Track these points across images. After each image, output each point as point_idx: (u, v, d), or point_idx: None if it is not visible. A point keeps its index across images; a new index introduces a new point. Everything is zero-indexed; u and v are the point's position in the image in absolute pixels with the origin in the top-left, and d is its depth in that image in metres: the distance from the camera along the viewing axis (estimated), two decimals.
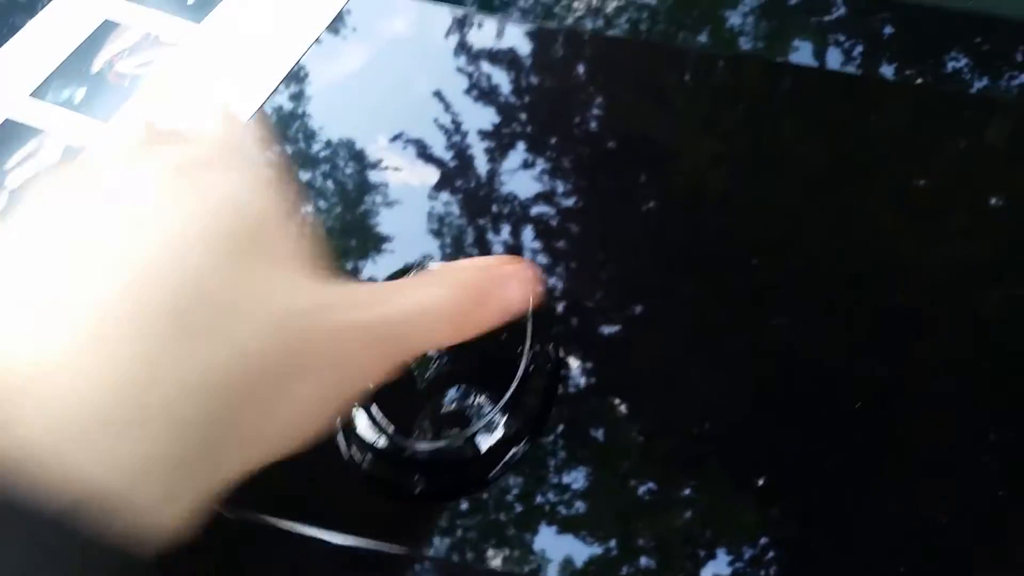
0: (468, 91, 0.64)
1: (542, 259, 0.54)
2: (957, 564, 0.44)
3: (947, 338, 0.51)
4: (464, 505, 0.47)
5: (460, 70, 0.65)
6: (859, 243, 0.55)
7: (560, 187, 0.57)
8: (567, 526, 0.46)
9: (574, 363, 0.50)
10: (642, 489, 0.47)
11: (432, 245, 0.55)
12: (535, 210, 0.56)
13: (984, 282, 0.53)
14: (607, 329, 0.51)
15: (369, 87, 0.66)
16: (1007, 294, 0.52)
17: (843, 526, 0.45)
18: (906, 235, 0.55)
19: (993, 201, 0.56)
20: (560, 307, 0.52)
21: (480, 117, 0.62)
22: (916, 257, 0.54)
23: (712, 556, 0.45)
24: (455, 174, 0.59)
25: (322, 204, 0.58)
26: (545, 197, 0.57)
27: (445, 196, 0.58)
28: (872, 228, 0.55)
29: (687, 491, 0.47)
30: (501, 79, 0.64)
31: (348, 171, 0.59)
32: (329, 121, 0.63)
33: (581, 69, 0.65)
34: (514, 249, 0.55)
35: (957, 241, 0.55)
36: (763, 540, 0.44)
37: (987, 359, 0.50)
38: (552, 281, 0.53)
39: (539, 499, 0.47)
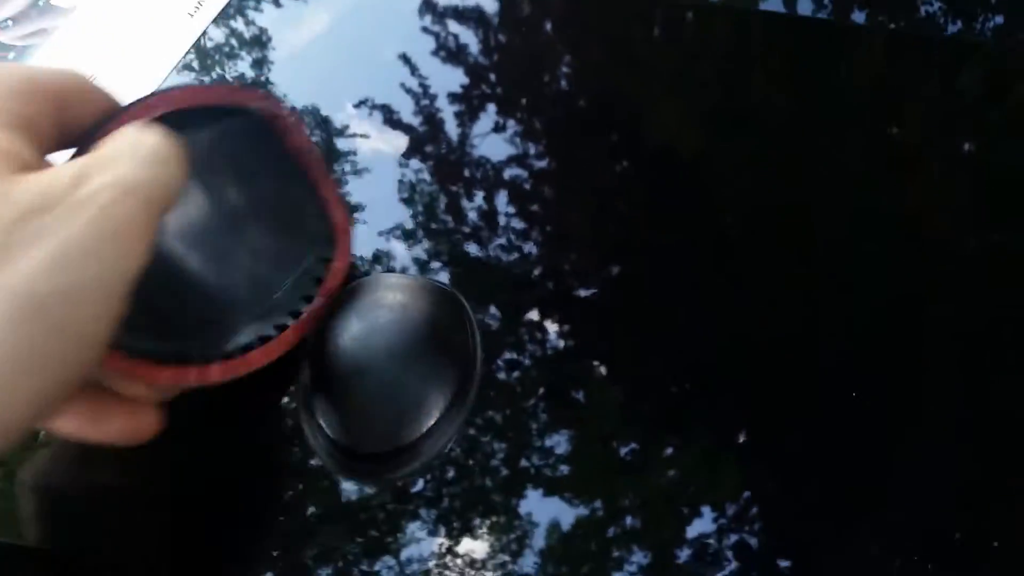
0: (435, 52, 0.62)
1: (517, 223, 0.53)
2: (940, 513, 0.44)
3: (927, 287, 0.51)
4: (450, 472, 0.47)
5: (426, 30, 0.63)
6: (836, 195, 0.54)
7: (532, 149, 0.56)
8: (552, 489, 0.46)
9: (551, 326, 0.49)
10: (624, 450, 0.47)
11: (404, 214, 0.54)
12: (508, 173, 0.55)
13: (961, 228, 0.53)
14: (584, 292, 0.51)
15: (332, 51, 0.64)
16: (984, 240, 0.52)
17: (825, 481, 0.45)
18: (883, 184, 0.55)
19: (968, 147, 0.56)
20: (537, 271, 0.51)
21: (449, 79, 0.61)
22: (894, 205, 0.54)
23: (697, 514, 0.45)
24: (425, 139, 0.58)
25: None
26: (518, 160, 0.56)
27: (416, 163, 0.57)
28: (849, 179, 0.55)
29: (669, 450, 0.47)
30: (469, 39, 0.62)
31: (313, 139, 0.58)
32: (292, 87, 0.62)
33: (549, 26, 0.64)
34: (488, 214, 0.54)
35: (935, 188, 0.55)
36: (746, 496, 0.45)
37: (966, 306, 0.50)
38: (528, 246, 0.52)
39: (523, 463, 0.47)
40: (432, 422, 0.45)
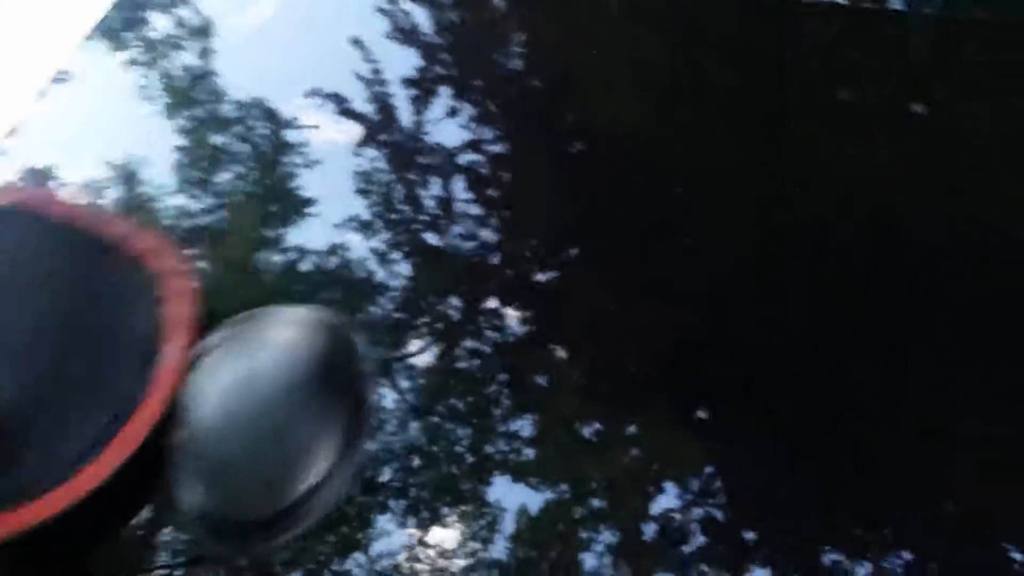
0: (388, 35, 0.62)
1: (474, 210, 0.53)
2: (899, 478, 0.45)
3: (878, 248, 0.52)
4: (416, 461, 0.47)
5: (380, 11, 0.62)
6: (785, 164, 0.55)
7: (488, 134, 0.56)
8: (518, 473, 0.47)
9: (511, 312, 0.50)
10: (587, 431, 0.48)
11: (360, 205, 0.54)
12: (464, 159, 0.55)
13: (908, 189, 0.54)
14: (542, 276, 0.51)
15: (279, 37, 0.63)
16: (930, 199, 0.53)
17: (785, 451, 0.46)
18: (833, 150, 0.55)
19: (916, 110, 0.57)
20: (495, 259, 0.51)
21: (401, 62, 0.60)
22: (844, 171, 0.55)
23: (661, 491, 0.45)
24: (379, 127, 0.57)
25: (238, 169, 0.55)
26: (473, 145, 0.55)
27: (370, 152, 0.56)
28: (798, 148, 0.55)
29: (631, 429, 0.47)
30: (421, 19, 0.62)
31: (263, 132, 0.57)
32: (239, 78, 0.60)
33: (502, 4, 0.63)
34: (445, 202, 0.54)
35: (883, 152, 0.56)
36: (708, 470, 0.45)
37: (914, 266, 0.51)
38: (485, 233, 0.52)
39: (488, 449, 0.48)
40: (321, 475, 0.41)
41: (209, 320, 0.45)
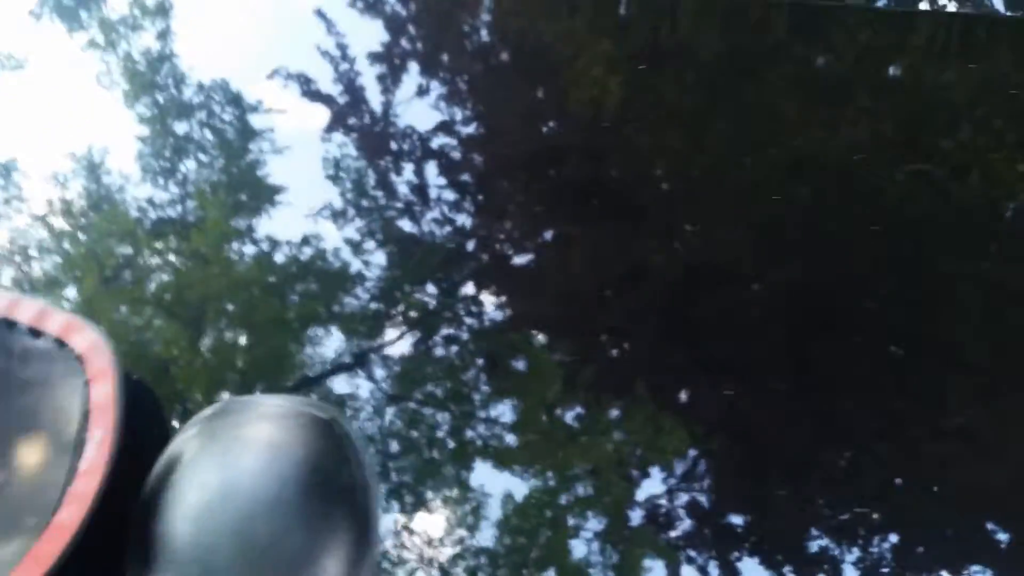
0: (352, 4, 0.60)
1: (448, 194, 0.52)
2: (882, 462, 0.46)
3: (856, 226, 0.51)
4: (395, 447, 0.47)
5: None
6: (763, 142, 0.54)
7: (459, 113, 0.55)
8: (502, 460, 0.47)
9: (488, 298, 0.49)
10: (570, 416, 0.47)
11: (331, 191, 0.52)
12: (436, 142, 0.54)
13: (880, 163, 0.53)
14: (519, 260, 0.50)
15: (239, 11, 0.60)
16: (906, 171, 0.53)
17: (767, 437, 0.46)
18: (808, 123, 0.55)
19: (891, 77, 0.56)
20: (470, 244, 0.50)
21: (366, 36, 0.58)
22: (818, 143, 0.54)
23: (646, 476, 0.45)
24: (347, 111, 0.55)
25: (202, 158, 0.54)
26: (445, 127, 0.54)
27: (339, 136, 0.54)
28: (773, 127, 0.55)
29: (614, 414, 0.47)
30: None
31: (227, 117, 0.55)
32: (199, 60, 0.58)
33: None
34: (418, 189, 0.52)
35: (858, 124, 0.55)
36: (692, 454, 0.45)
37: (889, 237, 0.51)
38: (460, 218, 0.51)
39: (469, 434, 0.47)
40: None
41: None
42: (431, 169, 0.53)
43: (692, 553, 0.42)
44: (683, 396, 0.47)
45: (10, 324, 0.39)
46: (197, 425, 0.37)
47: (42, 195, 0.53)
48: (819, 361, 0.48)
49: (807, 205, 0.53)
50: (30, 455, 0.37)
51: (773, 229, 0.51)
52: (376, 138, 0.54)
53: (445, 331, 0.48)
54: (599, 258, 0.51)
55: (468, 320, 0.49)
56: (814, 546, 0.42)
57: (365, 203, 0.52)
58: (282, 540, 0.34)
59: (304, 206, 0.51)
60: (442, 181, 0.52)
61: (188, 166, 0.53)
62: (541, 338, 0.49)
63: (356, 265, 0.50)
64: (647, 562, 0.43)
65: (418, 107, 0.55)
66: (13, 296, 0.39)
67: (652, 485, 0.45)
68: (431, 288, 0.49)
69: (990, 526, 0.43)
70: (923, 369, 0.47)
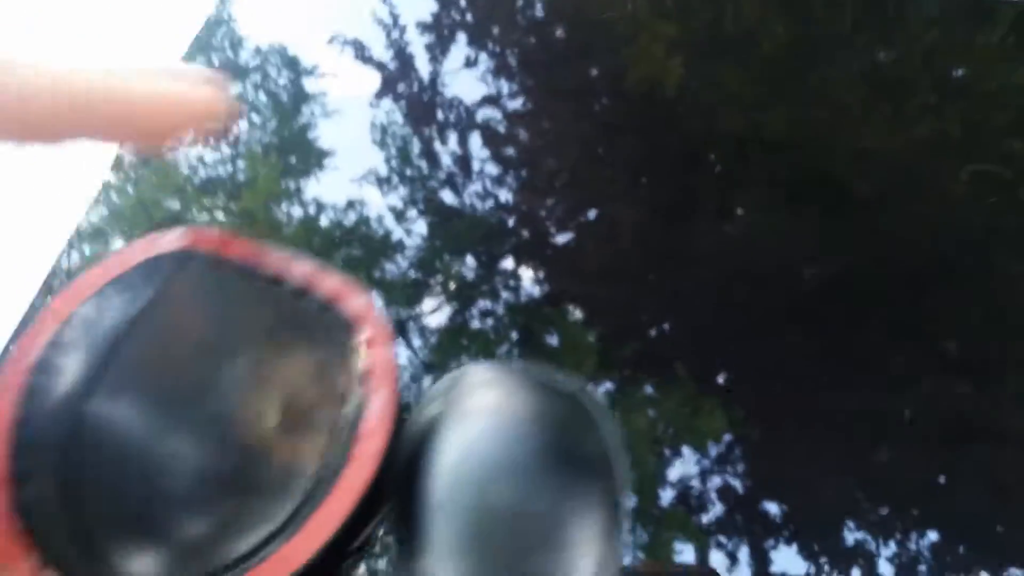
0: None
1: (490, 168, 0.52)
2: (921, 455, 0.44)
3: (913, 218, 0.50)
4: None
5: None
6: (822, 129, 0.52)
7: (506, 88, 0.54)
8: None
9: (527, 273, 0.48)
10: (602, 391, 0.47)
11: (377, 157, 0.52)
12: (481, 114, 0.53)
13: (945, 159, 0.52)
14: (560, 238, 0.50)
15: None
16: (970, 171, 0.51)
17: (807, 425, 0.45)
18: (871, 117, 0.53)
19: (957, 76, 0.54)
20: (511, 220, 0.50)
21: (419, 7, 0.58)
22: (881, 138, 0.52)
23: (679, 457, 0.45)
24: (396, 78, 0.55)
25: (255, 119, 0.54)
26: (491, 100, 0.54)
27: (387, 103, 0.54)
28: (836, 114, 0.53)
29: (650, 392, 0.46)
30: None
31: (281, 81, 0.56)
32: (257, 25, 0.59)
33: None
34: (462, 159, 0.52)
35: (922, 121, 0.53)
36: (728, 439, 0.45)
37: (951, 235, 0.49)
38: (502, 193, 0.51)
39: None
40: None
41: None
42: (475, 141, 0.52)
43: (722, 539, 0.42)
44: (723, 380, 0.46)
45: (279, 283, 0.40)
46: (440, 394, 0.39)
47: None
48: (869, 357, 0.46)
49: (867, 198, 0.51)
50: (305, 416, 0.39)
51: (830, 221, 0.50)
52: (423, 107, 0.54)
53: (482, 304, 0.48)
54: (646, 239, 0.50)
55: (505, 295, 0.48)
56: (850, 539, 0.41)
57: (409, 171, 0.52)
58: (523, 507, 0.34)
59: (351, 171, 0.52)
60: (486, 154, 0.52)
61: (240, 126, 0.54)
62: (579, 315, 0.48)
63: (398, 233, 0.50)
64: (677, 545, 0.42)
65: (466, 78, 0.55)
66: (285, 255, 0.40)
67: (685, 466, 0.44)
68: (470, 261, 0.49)
69: None
70: (978, 369, 0.45)
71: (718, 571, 0.41)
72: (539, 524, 0.35)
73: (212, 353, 0.39)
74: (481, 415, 0.37)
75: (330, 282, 0.40)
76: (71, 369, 0.37)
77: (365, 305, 0.40)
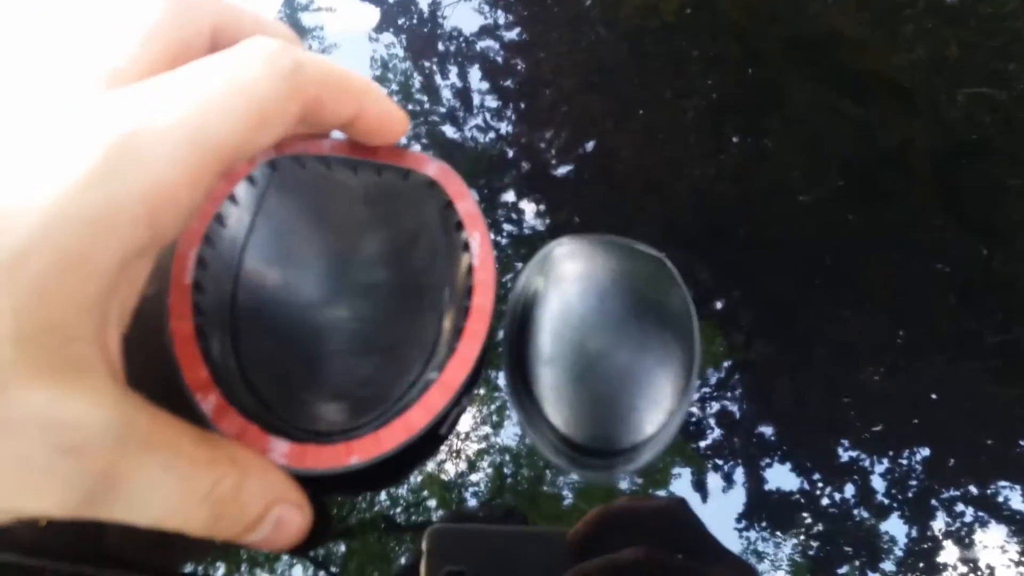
0: None
1: (490, 101, 0.51)
2: (918, 391, 0.45)
3: (914, 146, 0.50)
4: None
5: None
6: (820, 59, 0.52)
7: (502, 18, 0.54)
8: None
9: (529, 207, 0.49)
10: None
11: None
12: (481, 45, 0.53)
13: (940, 84, 0.51)
14: (562, 170, 0.50)
15: None
16: (966, 93, 0.51)
17: (805, 349, 0.46)
18: (868, 41, 0.53)
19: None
20: (512, 152, 0.50)
21: None
22: (878, 61, 0.52)
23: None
24: (396, 12, 0.55)
25: None
26: (489, 31, 0.53)
27: (388, 37, 0.54)
28: (831, 45, 0.53)
29: None
30: None
31: (278, 16, 0.55)
32: None
33: None
34: (462, 92, 0.52)
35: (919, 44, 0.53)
36: (727, 364, 0.45)
37: (948, 158, 0.49)
38: (503, 125, 0.51)
39: (501, 334, 0.48)
40: (664, 418, 0.39)
41: None
42: (475, 73, 0.52)
43: (719, 461, 0.43)
44: (720, 305, 0.47)
45: (358, 164, 0.42)
46: (535, 268, 0.43)
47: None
48: (865, 278, 0.47)
49: (863, 121, 0.51)
50: (422, 272, 0.42)
51: (825, 145, 0.50)
52: (423, 39, 0.54)
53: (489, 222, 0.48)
54: (644, 168, 0.50)
55: (508, 227, 0.49)
56: (844, 456, 0.43)
57: (411, 106, 0.52)
58: (614, 351, 0.40)
59: None
60: (486, 86, 0.52)
61: None
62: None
63: None
64: (674, 469, 0.43)
65: (464, 9, 0.54)
66: (349, 140, 0.42)
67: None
68: (473, 194, 0.49)
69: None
70: (967, 283, 0.46)
71: (686, 499, 0.43)
72: (627, 365, 0.39)
73: (328, 230, 0.42)
74: (575, 280, 0.41)
75: (404, 154, 0.42)
76: (232, 227, 0.40)
77: (439, 167, 0.42)
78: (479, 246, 0.40)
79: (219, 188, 0.40)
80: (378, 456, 0.35)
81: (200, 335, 0.38)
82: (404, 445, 0.35)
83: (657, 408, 0.39)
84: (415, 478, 0.42)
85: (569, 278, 0.42)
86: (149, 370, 0.38)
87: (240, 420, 0.36)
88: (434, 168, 0.42)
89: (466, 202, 0.42)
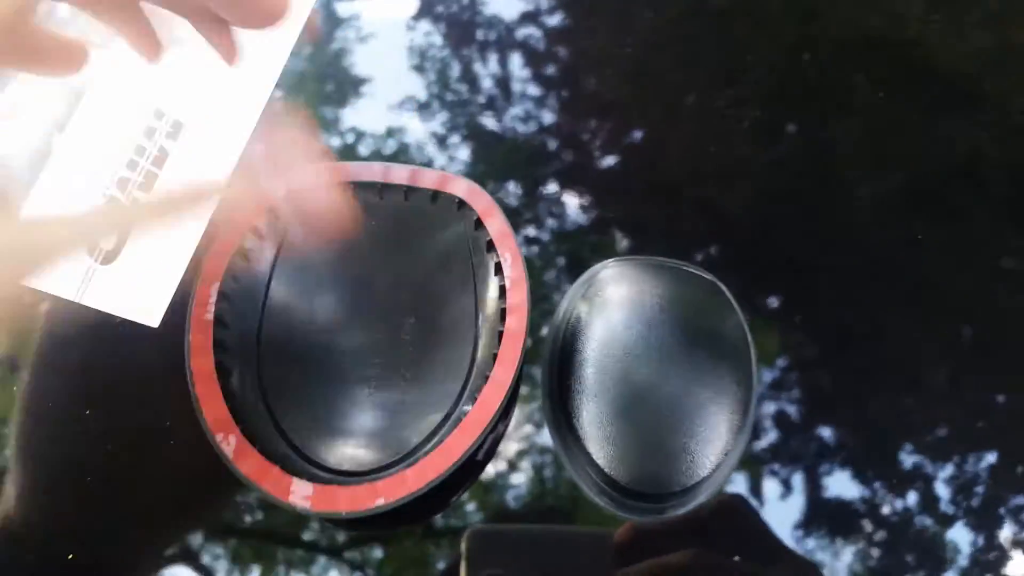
0: None
1: (532, 89, 0.50)
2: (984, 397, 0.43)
3: (975, 134, 0.47)
4: None
5: None
6: (879, 41, 0.50)
7: (544, 4, 0.52)
8: None
9: (571, 199, 0.47)
10: None
11: (416, 83, 0.51)
12: (521, 33, 0.51)
13: (1007, 70, 0.49)
14: (606, 161, 0.48)
15: None
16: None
17: (867, 349, 0.44)
18: (929, 28, 0.50)
19: None
20: (554, 143, 0.49)
21: None
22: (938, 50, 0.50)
23: None
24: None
25: None
26: (531, 18, 0.52)
27: (425, 25, 0.53)
28: (893, 26, 0.50)
29: None
30: None
31: (315, 4, 0.54)
32: None
33: None
34: (501, 80, 0.50)
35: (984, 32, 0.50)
36: (782, 363, 0.44)
37: (1011, 146, 0.47)
38: (544, 115, 0.49)
39: (544, 331, 0.47)
40: (717, 459, 0.37)
41: None
42: (516, 62, 0.51)
43: (776, 466, 0.41)
44: (777, 301, 0.45)
45: (384, 188, 0.42)
46: (578, 293, 0.41)
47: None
48: (925, 267, 0.45)
49: (923, 109, 0.49)
50: (445, 291, 0.42)
51: (890, 153, 0.48)
52: (462, 27, 0.52)
53: (526, 231, 0.47)
54: (692, 159, 0.48)
55: (550, 221, 0.47)
56: (907, 462, 0.41)
57: (449, 96, 0.50)
58: (661, 385, 0.37)
59: (388, 97, 0.50)
60: (526, 75, 0.50)
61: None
62: (626, 243, 0.47)
63: (440, 160, 0.49)
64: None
65: None
66: (383, 165, 0.42)
67: None
68: (513, 187, 0.48)
69: None
70: None
71: (744, 496, 0.41)
72: (677, 400, 0.37)
73: (356, 259, 0.42)
74: (621, 306, 0.39)
75: (430, 175, 0.42)
76: (256, 260, 0.41)
77: (468, 186, 0.41)
78: (510, 267, 0.39)
79: (240, 222, 0.40)
80: (404, 498, 0.34)
81: (221, 372, 0.37)
82: (431, 486, 0.34)
83: (710, 448, 0.37)
84: (471, 500, 0.41)
85: (614, 303, 0.39)
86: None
87: (261, 461, 0.35)
88: (463, 187, 0.42)
89: (496, 220, 0.40)
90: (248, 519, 0.41)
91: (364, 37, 0.53)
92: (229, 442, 0.35)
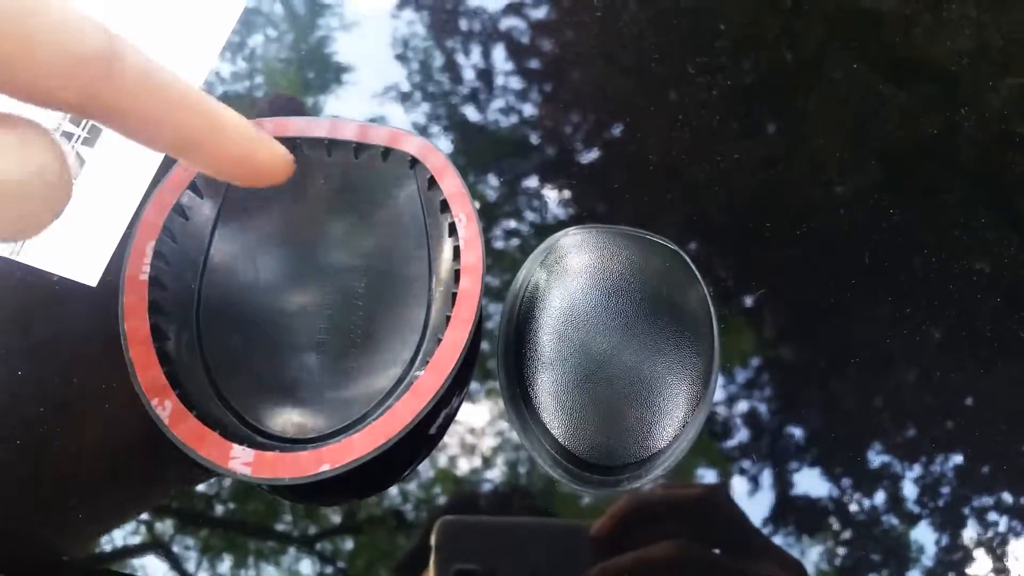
0: None
1: (515, 82, 0.50)
2: (951, 396, 0.43)
3: (954, 133, 0.48)
4: None
5: None
6: (860, 40, 0.50)
7: None
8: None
9: (551, 193, 0.47)
10: None
11: (399, 73, 0.51)
12: (505, 24, 0.51)
13: (985, 73, 0.49)
14: (586, 155, 0.48)
15: None
16: (1010, 84, 0.49)
17: (837, 348, 0.44)
18: (911, 28, 0.50)
19: None
20: (535, 137, 0.49)
21: None
22: (919, 49, 0.50)
23: None
24: None
25: (271, 32, 0.53)
26: (515, 9, 0.51)
27: (409, 14, 0.52)
28: (872, 26, 0.51)
29: None
30: None
31: None
32: None
33: None
34: (484, 72, 0.50)
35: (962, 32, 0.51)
36: (755, 363, 0.44)
37: (988, 147, 0.47)
38: (526, 108, 0.49)
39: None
40: (676, 430, 0.36)
41: None
42: (499, 53, 0.51)
43: (746, 464, 0.42)
44: (750, 301, 0.45)
45: (332, 143, 0.40)
46: (537, 260, 0.40)
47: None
48: (902, 276, 0.45)
49: (904, 108, 0.49)
50: (404, 259, 0.40)
51: (864, 131, 0.48)
52: (446, 17, 0.52)
53: (506, 224, 0.47)
54: (674, 155, 0.48)
55: (530, 215, 0.47)
56: (876, 461, 0.41)
57: (431, 87, 0.50)
58: (620, 356, 0.37)
59: (371, 87, 0.50)
60: (510, 67, 0.50)
61: (255, 40, 0.52)
62: (588, 211, 0.47)
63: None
64: (699, 471, 0.42)
65: None
66: (330, 120, 0.41)
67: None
68: (493, 180, 0.48)
69: None
70: (1012, 286, 0.44)
71: (726, 486, 0.41)
72: (636, 370, 0.36)
73: (302, 219, 0.41)
74: (581, 274, 0.38)
75: (380, 132, 0.40)
76: (195, 218, 0.39)
77: (420, 143, 0.40)
78: (465, 228, 0.38)
79: (178, 177, 0.38)
80: (350, 463, 0.33)
81: (157, 335, 0.36)
82: (378, 452, 0.33)
83: (669, 419, 0.37)
84: (426, 473, 0.41)
85: (573, 271, 0.39)
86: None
87: (199, 426, 0.34)
88: (415, 144, 0.40)
89: (450, 179, 0.39)
90: (200, 496, 0.40)
91: (348, 26, 0.52)
92: (164, 407, 0.34)
